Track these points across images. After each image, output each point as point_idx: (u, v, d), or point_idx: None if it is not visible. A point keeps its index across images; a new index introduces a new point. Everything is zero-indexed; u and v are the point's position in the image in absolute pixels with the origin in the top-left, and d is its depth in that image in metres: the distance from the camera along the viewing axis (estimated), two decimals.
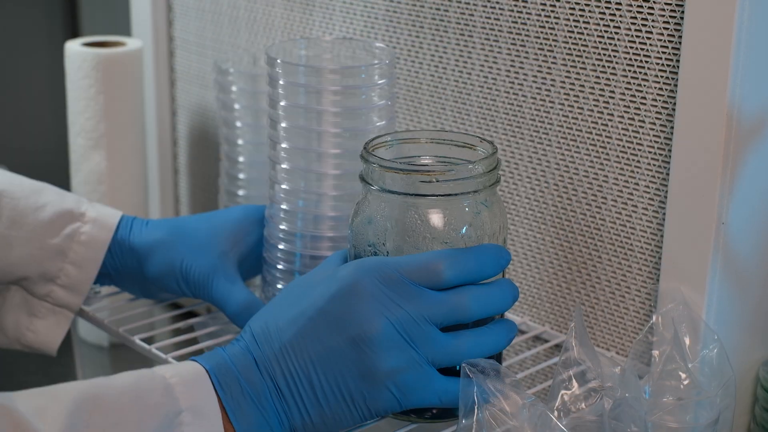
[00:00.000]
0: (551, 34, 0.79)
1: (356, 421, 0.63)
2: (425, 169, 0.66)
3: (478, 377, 0.62)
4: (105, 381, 0.61)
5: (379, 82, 0.77)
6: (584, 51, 0.77)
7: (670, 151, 0.74)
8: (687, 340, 0.73)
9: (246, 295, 0.80)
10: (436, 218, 0.66)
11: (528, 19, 0.80)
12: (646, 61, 0.74)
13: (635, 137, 0.76)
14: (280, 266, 0.81)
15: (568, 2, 0.77)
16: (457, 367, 0.64)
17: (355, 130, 0.77)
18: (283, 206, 0.80)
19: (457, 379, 0.63)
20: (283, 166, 0.79)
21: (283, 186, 0.79)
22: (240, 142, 0.94)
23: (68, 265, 0.82)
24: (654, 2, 0.73)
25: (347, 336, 0.62)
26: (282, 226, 0.80)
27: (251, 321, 0.66)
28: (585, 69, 0.78)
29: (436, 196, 0.65)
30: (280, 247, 0.80)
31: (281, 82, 0.77)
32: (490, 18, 0.83)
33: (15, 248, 0.81)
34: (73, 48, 1.03)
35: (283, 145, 0.78)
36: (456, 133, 0.71)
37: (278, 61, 0.77)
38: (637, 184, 0.76)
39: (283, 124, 0.78)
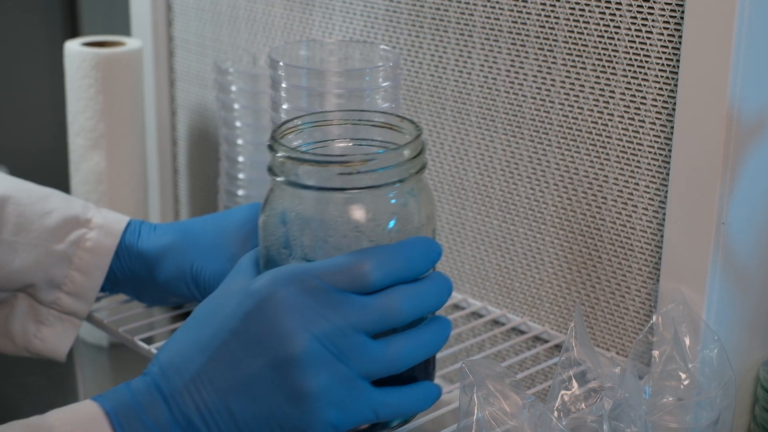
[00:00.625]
0: (551, 34, 0.79)
1: None
2: (343, 159, 0.58)
3: (478, 377, 0.62)
4: None
5: (383, 84, 0.77)
6: (584, 51, 0.77)
7: (670, 151, 0.74)
8: (687, 341, 0.73)
9: None
10: (358, 213, 0.58)
11: (528, 18, 0.80)
12: (646, 61, 0.74)
13: (635, 137, 0.76)
14: None
15: (568, 2, 0.77)
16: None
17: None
18: None
19: (395, 390, 0.59)
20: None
21: None
22: (240, 142, 0.94)
23: (74, 272, 0.82)
24: (654, 2, 0.73)
25: (269, 358, 0.55)
26: None
27: (159, 351, 0.59)
28: (585, 69, 0.78)
29: (358, 189, 0.57)
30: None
31: (284, 85, 0.77)
32: (489, 18, 0.83)
33: (21, 254, 0.80)
34: (73, 48, 1.03)
35: None
36: (374, 112, 0.64)
37: (281, 63, 0.77)
38: (637, 184, 0.76)
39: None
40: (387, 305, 0.57)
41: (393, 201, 0.59)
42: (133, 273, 0.83)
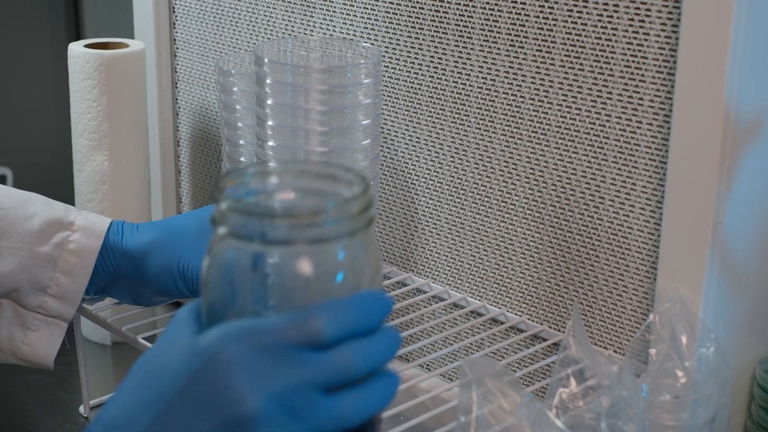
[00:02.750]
0: (549, 35, 0.80)
1: None
2: (294, 212, 0.55)
3: (477, 375, 0.62)
4: None
5: (366, 81, 0.77)
6: (582, 52, 0.78)
7: (667, 151, 0.74)
8: (684, 339, 0.73)
9: None
10: (307, 267, 0.55)
11: (526, 20, 0.81)
12: (644, 63, 0.74)
13: (632, 138, 0.76)
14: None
15: (566, 4, 0.78)
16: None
17: (341, 129, 0.77)
18: None
19: None
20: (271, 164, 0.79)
21: None
22: (242, 142, 0.95)
23: (59, 275, 0.81)
24: (651, 4, 0.73)
25: (219, 418, 0.52)
26: None
27: (101, 410, 0.56)
28: (583, 70, 0.78)
29: (307, 242, 0.54)
30: None
31: (268, 81, 0.77)
32: (488, 20, 0.83)
33: (5, 258, 0.80)
34: (76, 49, 1.03)
35: (270, 143, 0.79)
36: (320, 164, 0.60)
37: (265, 60, 0.77)
38: (634, 184, 0.77)
39: (270, 123, 0.78)
40: (340, 361, 0.54)
41: (342, 254, 0.56)
42: (119, 272, 0.83)
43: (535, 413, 0.62)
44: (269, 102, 0.77)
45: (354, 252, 0.56)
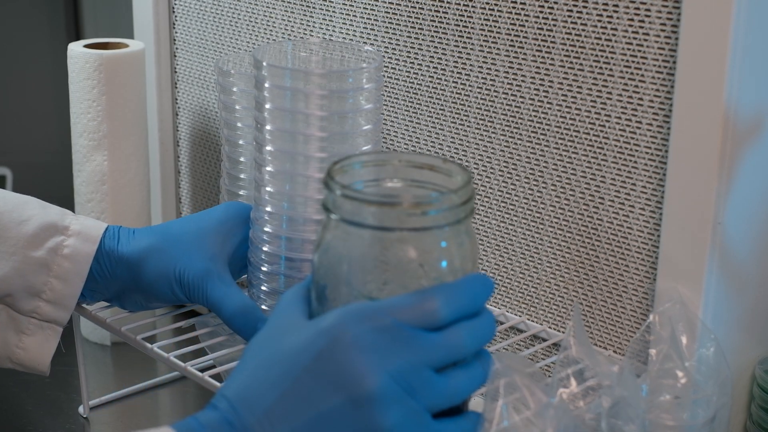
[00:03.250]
0: (549, 35, 0.80)
1: None
2: (412, 200, 0.59)
3: (507, 370, 0.62)
4: None
5: (367, 86, 0.77)
6: (582, 53, 0.78)
7: (667, 151, 0.74)
8: (684, 339, 0.73)
9: (242, 298, 0.79)
10: (424, 253, 0.60)
11: (526, 21, 0.81)
12: (643, 63, 0.74)
13: (632, 138, 0.76)
14: (264, 268, 0.81)
15: (566, 4, 0.78)
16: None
17: (341, 134, 0.77)
18: (268, 209, 0.79)
19: (450, 420, 0.60)
20: (269, 168, 0.78)
21: (268, 189, 0.79)
22: (241, 142, 0.95)
23: (53, 279, 0.81)
24: (651, 4, 0.73)
25: (344, 396, 0.56)
26: (267, 228, 0.80)
27: (224, 386, 0.59)
28: (582, 70, 0.78)
29: (426, 229, 0.59)
30: (265, 249, 0.80)
31: (267, 85, 0.77)
32: (488, 20, 0.83)
33: None
34: (76, 49, 1.03)
35: (269, 148, 0.78)
36: (429, 156, 0.65)
37: (264, 63, 0.77)
38: (634, 184, 0.77)
39: (269, 127, 0.77)
40: (453, 341, 0.58)
41: (448, 241, 0.60)
42: (115, 278, 0.82)
43: (562, 413, 0.62)
44: (268, 106, 0.77)
45: (459, 239, 0.60)
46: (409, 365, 0.57)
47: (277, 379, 0.57)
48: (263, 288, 0.82)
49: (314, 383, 0.56)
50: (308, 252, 0.79)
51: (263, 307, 0.82)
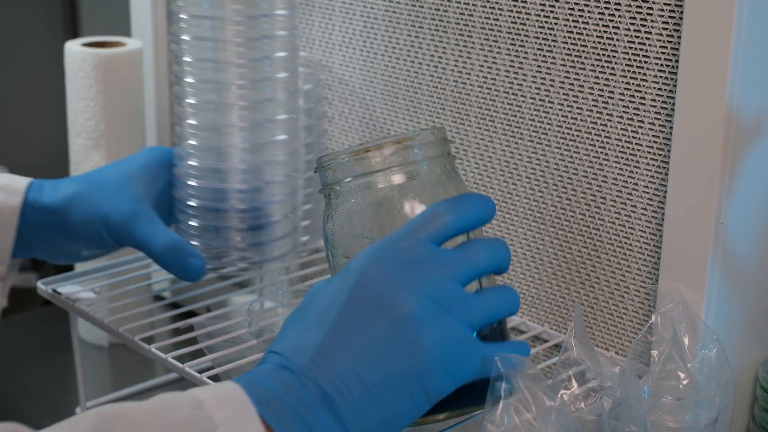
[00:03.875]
0: (550, 34, 0.79)
1: (410, 411, 0.59)
2: (396, 138, 0.66)
3: (509, 372, 0.62)
4: (129, 403, 0.56)
5: (280, 12, 0.78)
6: (583, 51, 0.78)
7: (669, 151, 0.74)
8: (686, 340, 0.73)
9: (170, 235, 0.81)
10: (409, 191, 0.66)
11: (527, 19, 0.80)
12: (645, 62, 0.74)
13: (634, 137, 0.76)
14: (191, 203, 0.82)
15: (568, 2, 0.78)
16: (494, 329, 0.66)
17: (258, 60, 0.78)
18: (192, 142, 0.81)
19: (496, 344, 0.64)
20: (189, 101, 0.80)
21: (191, 121, 0.80)
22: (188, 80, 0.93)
23: None
24: (653, 2, 0.73)
25: (385, 320, 0.59)
26: (192, 162, 0.81)
27: (270, 345, 0.61)
28: (584, 69, 0.78)
29: (402, 165, 0.66)
30: (191, 183, 0.82)
31: (183, 16, 0.77)
32: (489, 18, 0.83)
33: None
34: (73, 48, 1.03)
35: (188, 80, 0.79)
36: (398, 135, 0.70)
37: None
38: (636, 184, 0.76)
39: (187, 58, 0.79)
40: (471, 254, 0.63)
41: (447, 170, 0.67)
42: (42, 229, 0.83)
43: (564, 418, 0.62)
44: (184, 37, 0.78)
45: (451, 173, 0.67)
46: (437, 281, 0.60)
47: (319, 321, 0.60)
48: (191, 223, 0.83)
49: (355, 314, 0.59)
50: (236, 182, 0.81)
51: (193, 242, 0.83)
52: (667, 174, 0.74)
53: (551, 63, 0.80)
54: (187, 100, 0.80)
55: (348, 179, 0.66)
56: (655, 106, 0.74)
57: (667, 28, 0.72)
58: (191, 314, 0.90)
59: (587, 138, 0.79)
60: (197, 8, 0.77)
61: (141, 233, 0.80)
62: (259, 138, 0.81)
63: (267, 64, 0.79)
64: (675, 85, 0.72)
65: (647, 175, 0.76)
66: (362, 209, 0.66)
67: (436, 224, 0.62)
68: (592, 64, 0.77)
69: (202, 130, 0.80)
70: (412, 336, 0.59)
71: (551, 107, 0.81)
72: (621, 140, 0.77)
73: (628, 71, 0.75)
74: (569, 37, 0.78)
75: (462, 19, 0.85)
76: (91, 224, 0.81)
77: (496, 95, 0.84)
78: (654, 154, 0.75)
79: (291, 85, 0.83)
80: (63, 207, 0.82)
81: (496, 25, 0.83)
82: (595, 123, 0.78)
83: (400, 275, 0.60)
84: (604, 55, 0.76)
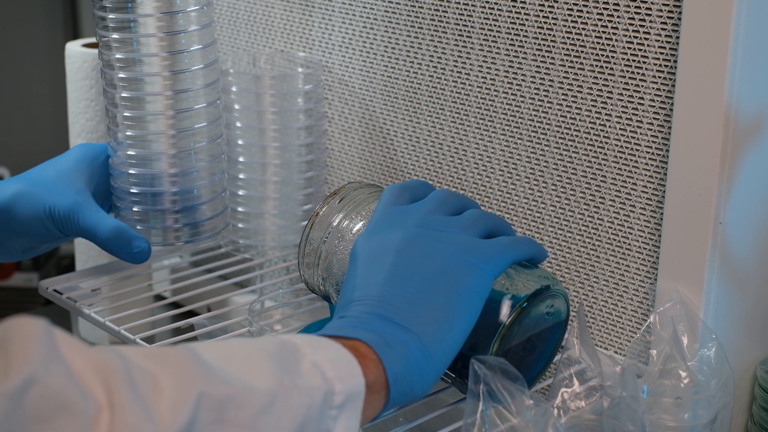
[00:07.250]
0: (549, 34, 0.79)
1: (464, 289, 0.65)
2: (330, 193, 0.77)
3: (486, 375, 0.62)
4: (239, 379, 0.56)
5: (194, 8, 0.84)
6: (582, 51, 0.78)
7: (667, 151, 0.74)
8: (685, 339, 0.73)
9: (112, 221, 0.84)
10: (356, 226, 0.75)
11: (526, 19, 0.81)
12: (644, 62, 0.74)
13: (633, 137, 0.76)
14: (133, 190, 0.87)
15: (566, 3, 0.78)
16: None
17: (177, 53, 0.85)
18: (129, 132, 0.86)
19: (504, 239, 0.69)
20: (123, 94, 0.85)
21: (126, 113, 0.86)
22: (240, 142, 0.95)
23: None
24: (651, 3, 0.73)
25: (392, 253, 0.65)
26: (130, 152, 0.86)
27: (335, 312, 0.66)
28: (583, 69, 0.78)
29: (342, 210, 0.76)
30: (132, 171, 0.86)
31: (112, 16, 0.84)
32: (488, 19, 0.83)
33: None
34: (74, 49, 1.03)
35: (121, 75, 0.85)
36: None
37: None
38: (635, 183, 0.77)
39: (118, 56, 0.85)
40: (473, 214, 0.69)
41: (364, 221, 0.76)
42: None
43: (541, 415, 0.62)
44: (114, 36, 0.85)
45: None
46: (419, 214, 0.68)
47: (374, 276, 0.65)
48: (135, 209, 0.87)
49: (407, 256, 0.66)
50: (173, 167, 0.87)
51: (137, 227, 0.88)
52: (665, 174, 0.74)
53: (550, 63, 0.80)
54: (120, 94, 0.86)
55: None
56: (653, 106, 0.74)
57: (665, 29, 0.73)
58: (192, 314, 0.91)
59: (586, 138, 0.79)
60: (122, 8, 0.84)
61: (86, 222, 0.84)
62: (182, 125, 0.87)
63: (186, 56, 0.86)
64: (674, 85, 0.73)
65: (646, 175, 0.76)
66: (343, 250, 0.75)
67: (439, 200, 0.70)
68: (591, 65, 0.77)
69: (135, 121, 0.86)
70: (422, 249, 0.66)
71: (550, 107, 0.81)
72: (620, 140, 0.77)
73: (627, 71, 0.75)
74: (568, 38, 0.78)
75: (461, 19, 0.85)
76: (37, 219, 0.84)
77: (495, 95, 0.84)
78: (653, 153, 0.75)
79: (210, 76, 0.89)
80: (7, 206, 0.84)
81: (495, 25, 0.83)
82: (594, 123, 0.78)
83: (438, 237, 0.67)
84: (603, 55, 0.77)
